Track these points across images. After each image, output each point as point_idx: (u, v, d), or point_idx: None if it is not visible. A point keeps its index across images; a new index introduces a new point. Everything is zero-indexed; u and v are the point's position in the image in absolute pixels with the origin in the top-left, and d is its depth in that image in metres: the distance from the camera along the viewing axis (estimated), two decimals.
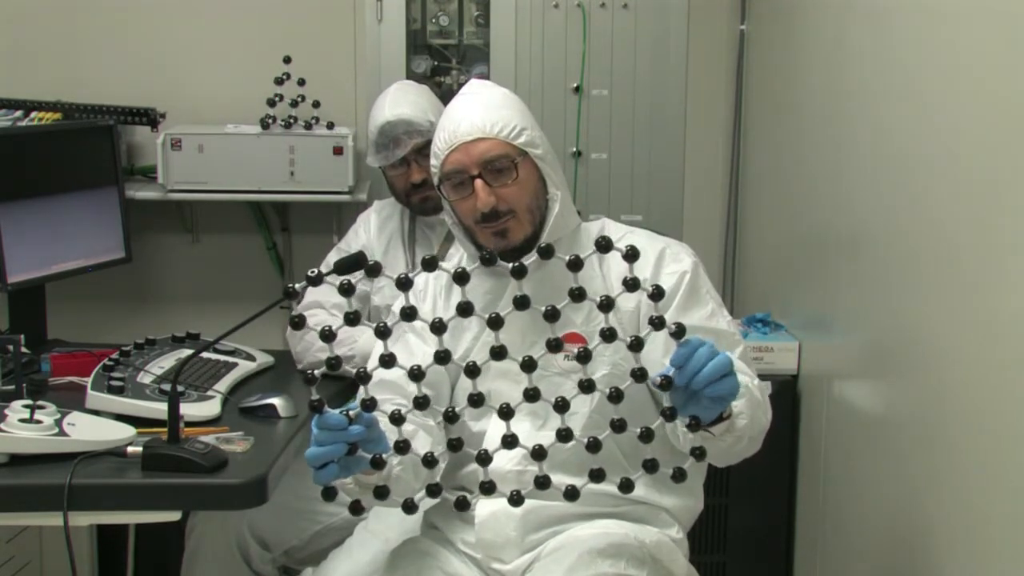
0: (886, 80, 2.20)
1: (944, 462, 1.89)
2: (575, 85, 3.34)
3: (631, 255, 1.51)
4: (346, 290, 1.53)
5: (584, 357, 1.53)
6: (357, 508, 1.66)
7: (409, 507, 1.64)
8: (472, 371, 1.55)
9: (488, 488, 1.58)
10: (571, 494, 1.58)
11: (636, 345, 1.53)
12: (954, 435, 1.86)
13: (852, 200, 2.39)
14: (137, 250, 3.10)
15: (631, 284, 1.51)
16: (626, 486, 1.58)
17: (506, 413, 1.55)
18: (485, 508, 1.92)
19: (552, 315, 1.51)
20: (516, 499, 1.61)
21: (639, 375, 1.54)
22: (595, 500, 1.94)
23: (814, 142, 2.68)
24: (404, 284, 1.52)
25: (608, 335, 1.51)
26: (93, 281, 3.11)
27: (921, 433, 1.99)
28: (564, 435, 1.57)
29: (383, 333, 1.55)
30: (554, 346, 1.51)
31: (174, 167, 3.04)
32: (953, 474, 1.86)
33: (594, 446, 1.56)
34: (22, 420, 2.04)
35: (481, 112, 1.95)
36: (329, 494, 1.65)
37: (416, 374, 1.55)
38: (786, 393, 2.82)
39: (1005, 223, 1.67)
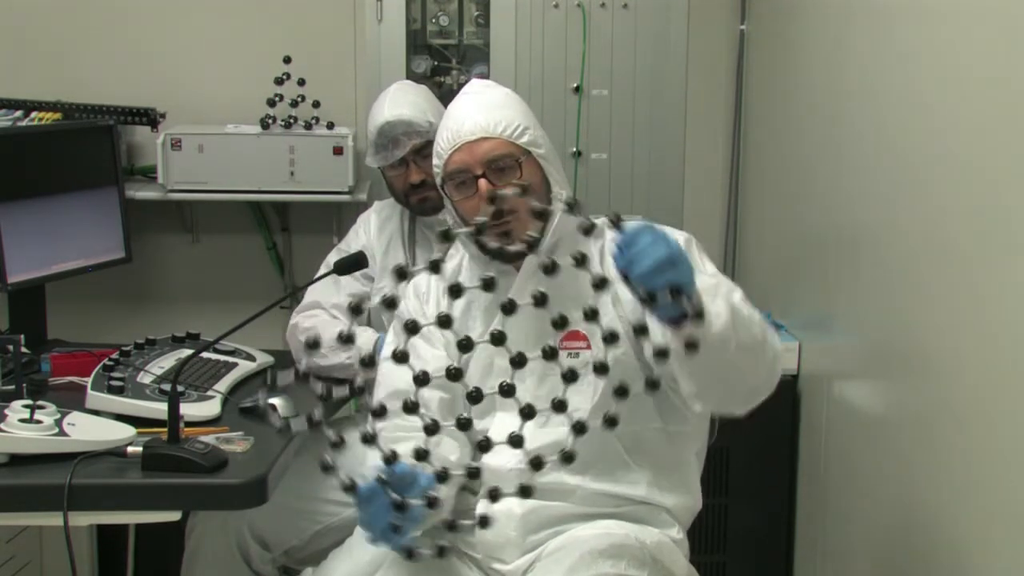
0: (886, 80, 2.20)
1: (944, 462, 1.89)
2: (575, 85, 3.34)
3: (616, 221, 1.48)
4: (390, 302, 1.50)
5: (560, 407, 1.50)
6: (442, 552, 1.62)
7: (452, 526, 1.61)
8: (454, 375, 1.51)
9: (494, 494, 1.56)
10: (579, 428, 1.51)
11: (594, 314, 1.51)
12: (954, 435, 1.86)
13: (852, 200, 2.39)
14: (137, 250, 3.10)
15: (599, 284, 1.46)
16: (610, 421, 1.53)
17: (507, 390, 1.52)
18: (485, 509, 1.92)
19: (561, 323, 1.49)
20: (525, 491, 1.57)
21: (639, 330, 1.49)
22: (596, 501, 1.94)
23: (814, 142, 2.68)
24: (390, 304, 1.48)
25: (610, 338, 1.48)
26: (93, 281, 3.11)
27: (921, 433, 1.99)
28: (558, 406, 1.54)
29: (401, 358, 1.52)
30: (549, 354, 1.48)
31: (174, 167, 3.04)
32: (953, 474, 1.86)
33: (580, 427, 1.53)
34: (22, 420, 2.04)
35: (484, 112, 1.95)
36: (410, 555, 1.62)
37: (410, 407, 1.52)
38: (786, 393, 2.82)
39: (1005, 223, 1.67)
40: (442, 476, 1.57)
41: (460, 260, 2.09)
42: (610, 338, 1.48)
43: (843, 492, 2.46)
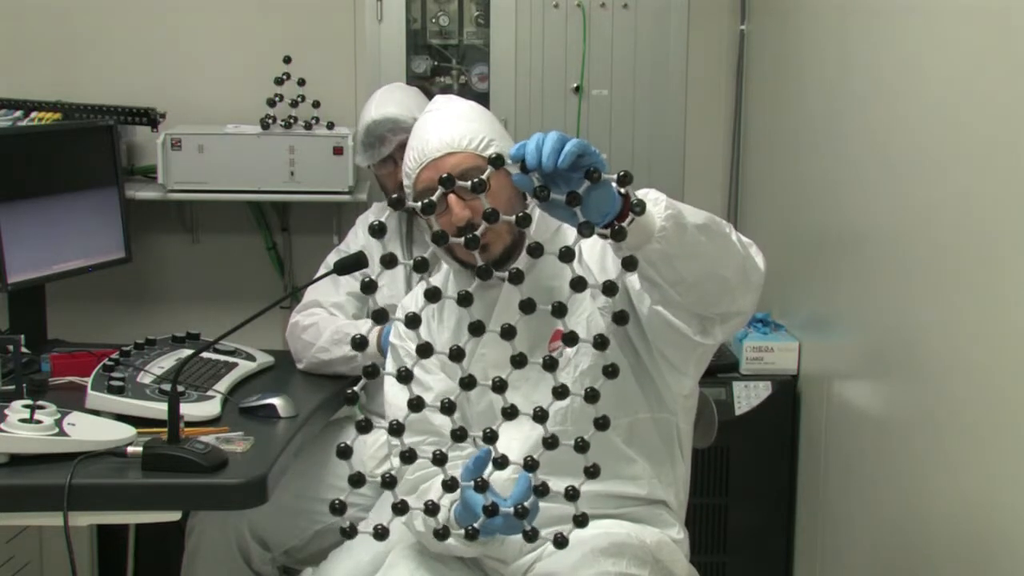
0: (886, 80, 2.20)
1: (944, 461, 1.89)
2: (575, 85, 3.34)
3: (566, 254, 1.48)
4: (424, 350, 1.51)
5: (551, 366, 1.51)
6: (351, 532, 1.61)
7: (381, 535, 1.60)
8: (456, 355, 1.53)
9: (501, 463, 1.56)
10: (591, 396, 1.52)
11: (577, 284, 1.52)
12: (954, 434, 1.86)
13: (852, 200, 2.39)
14: (137, 250, 3.10)
15: (577, 284, 1.48)
16: (591, 396, 1.53)
17: (499, 387, 1.53)
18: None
19: (559, 310, 1.50)
20: (531, 464, 1.57)
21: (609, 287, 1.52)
22: (596, 503, 1.94)
23: (814, 142, 2.68)
24: (412, 322, 1.50)
25: (577, 284, 1.49)
26: (93, 281, 3.11)
27: (921, 433, 1.99)
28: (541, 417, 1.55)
29: (405, 377, 1.53)
30: (549, 363, 1.50)
31: (174, 167, 3.04)
32: (953, 473, 1.86)
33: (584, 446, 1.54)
34: (22, 420, 2.04)
35: (448, 127, 1.94)
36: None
37: (447, 407, 1.53)
38: (786, 393, 2.82)
39: (1006, 223, 1.67)
40: (501, 463, 1.57)
41: (446, 276, 2.09)
42: (609, 289, 1.48)
43: (843, 492, 2.46)
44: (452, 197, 1.90)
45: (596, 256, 1.98)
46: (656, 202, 1.68)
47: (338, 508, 1.53)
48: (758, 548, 2.90)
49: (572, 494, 1.57)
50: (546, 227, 1.99)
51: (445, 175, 1.56)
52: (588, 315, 1.95)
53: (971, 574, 1.79)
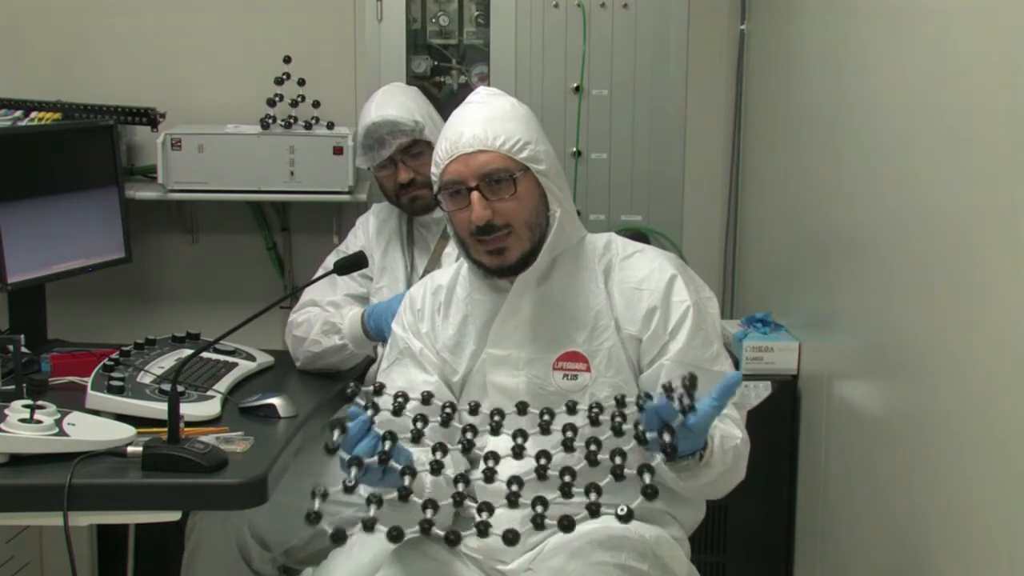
0: (887, 80, 2.20)
1: (944, 462, 1.89)
2: (575, 85, 3.34)
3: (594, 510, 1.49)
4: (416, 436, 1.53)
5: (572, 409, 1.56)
6: (340, 536, 1.50)
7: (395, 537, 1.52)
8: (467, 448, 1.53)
9: (484, 526, 1.54)
10: (567, 527, 1.51)
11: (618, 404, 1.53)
12: (954, 435, 1.86)
13: (852, 200, 2.39)
14: (137, 250, 3.10)
15: (624, 517, 1.51)
16: (626, 516, 1.54)
17: (522, 409, 1.53)
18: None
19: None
20: (511, 539, 1.48)
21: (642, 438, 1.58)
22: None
23: (814, 142, 2.68)
24: (337, 538, 1.45)
25: (571, 407, 1.54)
26: (93, 281, 3.11)
27: (921, 433, 1.99)
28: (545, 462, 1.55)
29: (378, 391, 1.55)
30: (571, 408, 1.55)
31: (174, 167, 3.04)
32: (953, 474, 1.86)
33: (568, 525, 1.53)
34: (22, 420, 2.04)
35: (485, 124, 1.93)
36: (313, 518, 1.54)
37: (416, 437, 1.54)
38: (786, 393, 2.82)
39: (1005, 223, 1.67)
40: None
41: (458, 270, 2.09)
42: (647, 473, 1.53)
43: (843, 492, 2.46)
44: (475, 195, 1.89)
45: (626, 291, 1.97)
46: (709, 464, 1.80)
47: (313, 519, 1.49)
48: (758, 548, 2.89)
49: (567, 525, 1.52)
50: (567, 238, 1.98)
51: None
52: (610, 346, 1.94)
53: (971, 574, 1.79)
